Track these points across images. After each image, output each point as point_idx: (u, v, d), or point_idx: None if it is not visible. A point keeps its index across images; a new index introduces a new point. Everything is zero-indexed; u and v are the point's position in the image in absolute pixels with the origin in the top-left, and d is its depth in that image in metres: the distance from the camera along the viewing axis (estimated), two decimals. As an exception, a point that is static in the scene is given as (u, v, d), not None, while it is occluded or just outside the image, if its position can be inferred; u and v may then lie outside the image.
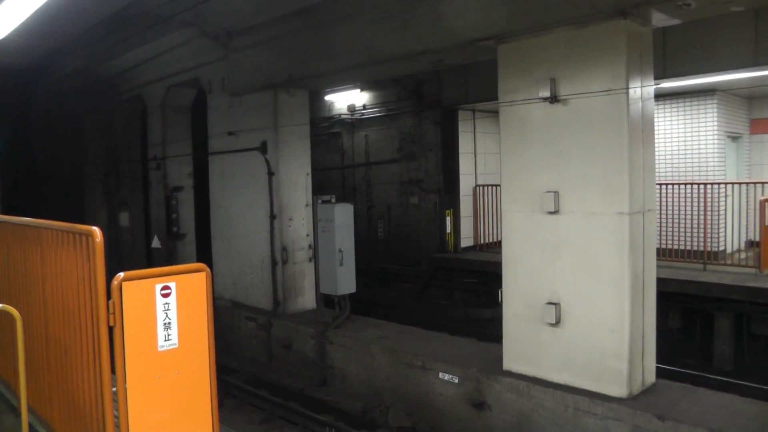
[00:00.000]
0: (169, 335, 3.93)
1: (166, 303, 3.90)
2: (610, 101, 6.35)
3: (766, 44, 9.22)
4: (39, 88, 16.31)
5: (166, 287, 3.89)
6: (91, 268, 3.90)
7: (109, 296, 3.75)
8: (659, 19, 6.50)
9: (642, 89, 6.56)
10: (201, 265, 4.08)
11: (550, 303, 6.89)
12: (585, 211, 6.62)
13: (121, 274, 3.76)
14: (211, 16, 10.54)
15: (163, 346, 3.91)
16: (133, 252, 15.89)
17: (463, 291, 14.05)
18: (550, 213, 6.86)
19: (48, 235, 4.72)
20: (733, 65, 9.81)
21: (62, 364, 4.65)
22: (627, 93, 6.25)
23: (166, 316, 3.90)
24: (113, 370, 3.80)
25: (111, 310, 3.74)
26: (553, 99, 6.69)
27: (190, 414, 4.07)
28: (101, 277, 3.83)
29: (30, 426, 4.91)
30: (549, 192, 6.82)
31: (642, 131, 6.58)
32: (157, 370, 3.90)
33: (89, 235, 3.92)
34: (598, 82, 6.42)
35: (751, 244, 11.99)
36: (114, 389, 3.84)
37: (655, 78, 9.78)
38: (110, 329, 3.77)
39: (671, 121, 12.95)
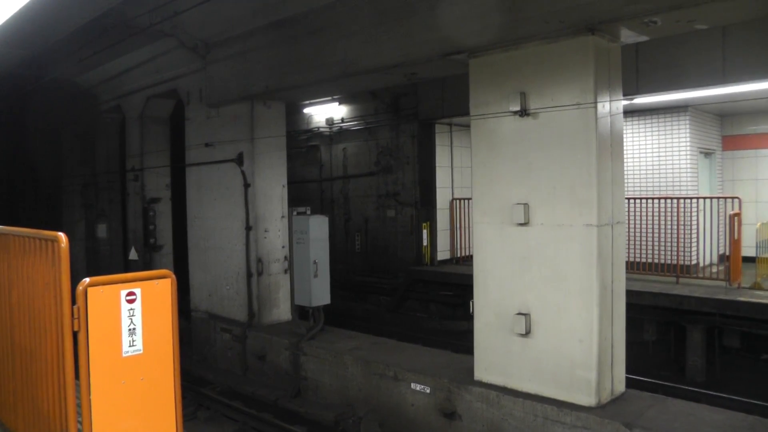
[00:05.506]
0: (133, 341, 3.94)
1: (131, 309, 3.92)
2: (578, 115, 6.45)
3: (734, 61, 9.42)
4: (14, 98, 16.20)
5: (131, 293, 3.91)
6: (57, 274, 3.92)
7: (74, 301, 3.77)
8: (627, 35, 6.63)
9: (611, 104, 6.67)
10: (166, 271, 4.11)
11: (520, 313, 6.95)
12: (554, 223, 6.70)
13: (87, 280, 3.78)
14: (189, 27, 10.59)
15: (127, 352, 3.93)
16: (111, 264, 15.79)
17: (440, 303, 14.09)
18: (520, 225, 6.95)
19: (15, 242, 4.72)
20: (703, 82, 9.99)
21: (28, 371, 4.63)
22: (595, 107, 6.36)
23: (131, 321, 3.92)
24: (78, 376, 3.80)
25: (75, 315, 3.75)
26: (523, 112, 6.80)
27: (155, 419, 4.07)
28: (66, 282, 3.84)
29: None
30: (519, 204, 6.91)
31: (611, 145, 6.69)
32: (122, 375, 3.91)
33: (55, 240, 3.94)
34: (567, 96, 6.52)
35: (723, 258, 12.15)
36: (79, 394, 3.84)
37: (629, 94, 10.05)
38: (75, 334, 3.78)
39: (645, 136, 13.14)
